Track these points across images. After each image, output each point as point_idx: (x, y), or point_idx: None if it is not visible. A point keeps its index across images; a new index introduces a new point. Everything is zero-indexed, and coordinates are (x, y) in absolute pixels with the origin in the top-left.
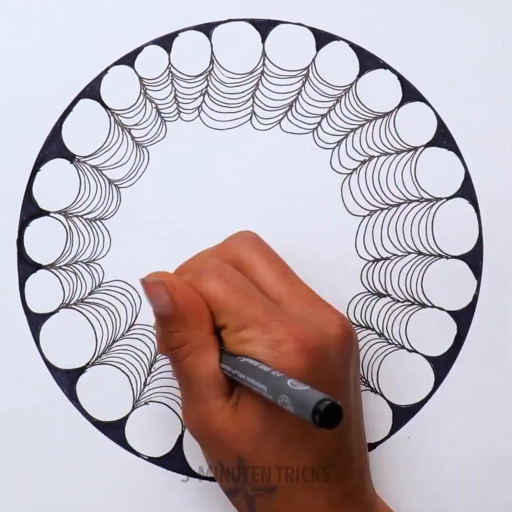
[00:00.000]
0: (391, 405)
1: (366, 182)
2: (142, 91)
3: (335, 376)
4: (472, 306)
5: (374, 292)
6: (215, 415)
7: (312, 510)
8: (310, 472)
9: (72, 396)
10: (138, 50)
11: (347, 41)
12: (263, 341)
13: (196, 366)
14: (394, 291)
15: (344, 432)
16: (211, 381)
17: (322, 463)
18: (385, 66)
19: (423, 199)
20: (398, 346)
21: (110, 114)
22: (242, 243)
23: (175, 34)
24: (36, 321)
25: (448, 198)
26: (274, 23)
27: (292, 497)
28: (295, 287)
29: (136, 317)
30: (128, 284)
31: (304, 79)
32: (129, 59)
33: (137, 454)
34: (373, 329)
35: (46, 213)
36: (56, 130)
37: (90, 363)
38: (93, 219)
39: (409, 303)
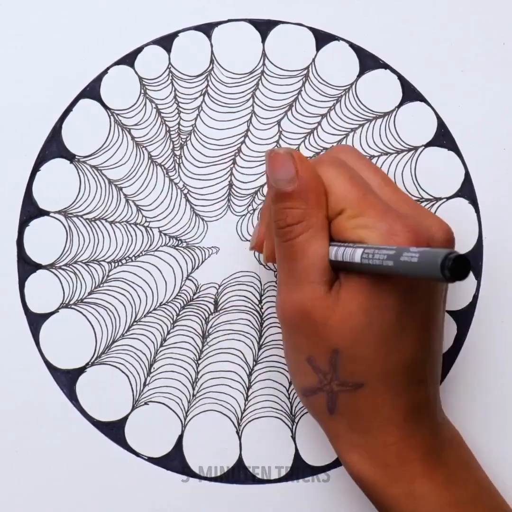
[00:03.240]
0: None
1: None
2: (142, 91)
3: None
4: (472, 306)
5: None
6: (317, 302)
7: (390, 412)
8: (399, 371)
9: (72, 396)
10: (138, 50)
11: (347, 41)
12: (379, 229)
13: (308, 245)
14: None
15: (433, 337)
16: (318, 264)
17: (412, 364)
18: (385, 66)
19: (423, 199)
20: None
21: (110, 114)
22: (345, 151)
23: (175, 34)
24: (36, 321)
25: (448, 198)
26: (274, 23)
27: (375, 396)
28: (399, 193)
29: (136, 317)
30: (128, 284)
31: (304, 79)
32: (129, 59)
33: (137, 454)
34: None
35: (46, 213)
36: (56, 130)
37: (90, 363)
38: (93, 219)
39: None
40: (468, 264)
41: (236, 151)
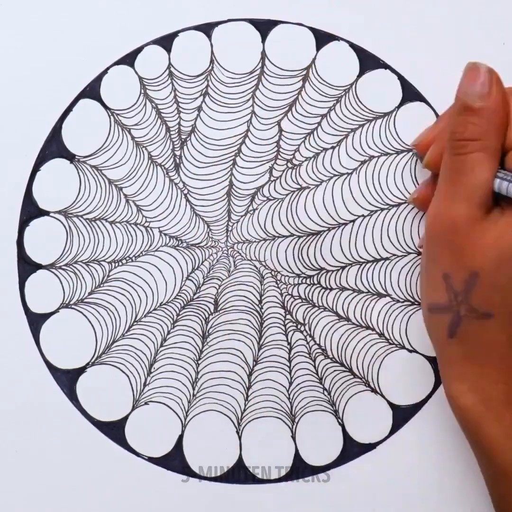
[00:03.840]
0: (391, 405)
1: (366, 182)
2: (142, 91)
3: None
4: None
5: (374, 292)
6: (471, 221)
7: (509, 350)
8: None
9: (72, 396)
10: (138, 50)
11: (347, 41)
12: None
13: (478, 165)
14: (394, 291)
15: None
16: (483, 185)
17: None
18: (385, 66)
19: None
20: (398, 346)
21: (110, 114)
22: None
23: (175, 34)
24: (36, 321)
25: None
26: (274, 23)
27: (500, 331)
28: None
29: (136, 317)
30: (128, 284)
31: (304, 79)
32: (129, 59)
33: (137, 454)
34: (373, 329)
35: (46, 213)
36: (56, 130)
37: (90, 363)
38: (93, 219)
39: (409, 303)
40: None
41: (236, 151)
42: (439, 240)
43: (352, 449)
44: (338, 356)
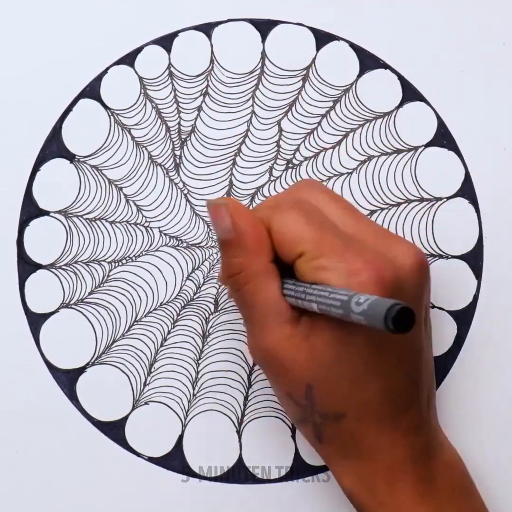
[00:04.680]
0: None
1: (366, 182)
2: (142, 91)
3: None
4: (472, 306)
5: None
6: (282, 343)
7: (376, 439)
8: (380, 399)
9: (72, 396)
10: (138, 50)
11: (347, 41)
12: (340, 270)
13: (256, 293)
14: None
15: (414, 362)
16: (272, 308)
17: (392, 392)
18: (385, 66)
19: (423, 199)
20: None
21: (110, 114)
22: (307, 187)
23: (175, 34)
24: (36, 321)
25: (448, 198)
26: (274, 23)
27: (359, 424)
28: (364, 224)
29: (136, 317)
30: (128, 284)
31: (304, 79)
32: (129, 59)
33: (137, 454)
34: None
35: (46, 213)
36: (56, 130)
37: (90, 363)
38: (93, 219)
39: None
40: (412, 315)
41: (236, 151)
42: (265, 368)
43: None
44: None
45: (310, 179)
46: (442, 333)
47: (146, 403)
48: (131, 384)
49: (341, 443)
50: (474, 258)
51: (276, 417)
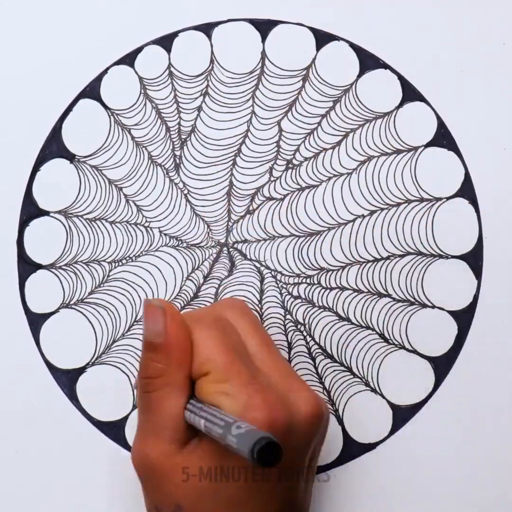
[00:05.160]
0: (391, 405)
1: (366, 182)
2: (142, 91)
3: (293, 455)
4: (472, 306)
5: (374, 292)
6: (164, 459)
7: None
8: None
9: (72, 396)
10: (138, 50)
11: (347, 41)
12: (239, 400)
13: (162, 402)
14: (394, 291)
15: (287, 507)
16: (172, 422)
17: None
18: (385, 66)
19: (423, 199)
20: (398, 346)
21: (110, 114)
22: (231, 307)
23: (175, 34)
24: (36, 321)
25: (448, 198)
26: (274, 23)
27: None
28: (274, 359)
29: (136, 317)
30: (128, 284)
31: (304, 79)
32: (129, 59)
33: None
34: (373, 329)
35: (46, 213)
36: (56, 130)
37: (90, 363)
38: (93, 219)
39: (409, 303)
40: (280, 452)
41: (236, 151)
42: (141, 476)
43: (352, 449)
44: (338, 356)
45: (238, 299)
46: (442, 333)
47: None
48: (131, 384)
49: None
50: (474, 258)
51: None
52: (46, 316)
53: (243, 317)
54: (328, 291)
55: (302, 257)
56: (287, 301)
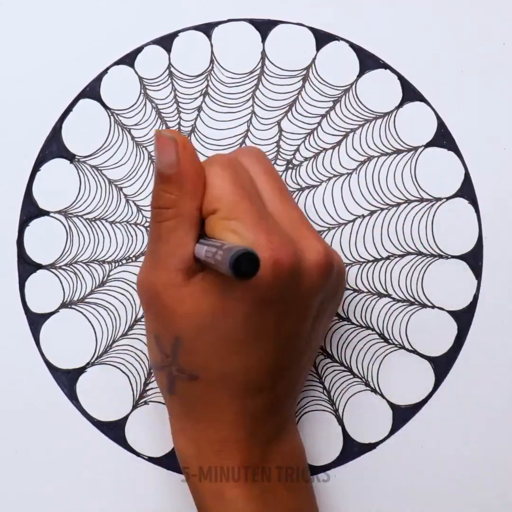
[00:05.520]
0: (391, 405)
1: (366, 182)
2: (142, 91)
3: (297, 301)
4: (472, 306)
5: (374, 292)
6: (169, 288)
7: (222, 410)
8: (238, 375)
9: (72, 396)
10: (138, 50)
11: (347, 41)
12: (246, 238)
13: (172, 232)
14: (394, 291)
15: (287, 348)
16: (180, 252)
17: (252, 372)
18: (385, 66)
19: (423, 199)
20: (398, 346)
21: (110, 114)
22: (248, 153)
23: (175, 34)
24: (36, 321)
25: (448, 198)
26: (274, 23)
27: (209, 391)
28: (286, 206)
29: (136, 317)
30: (128, 284)
31: (304, 79)
32: (129, 59)
33: (137, 454)
34: (373, 329)
35: (46, 213)
36: (56, 130)
37: (90, 363)
38: (93, 219)
39: (409, 303)
40: (256, 263)
41: None
42: (146, 304)
43: (352, 449)
44: (338, 356)
45: (255, 147)
46: (442, 333)
47: (146, 403)
48: (131, 384)
49: (188, 402)
50: (474, 258)
51: None
52: (46, 316)
53: (259, 163)
54: None
55: None
56: None
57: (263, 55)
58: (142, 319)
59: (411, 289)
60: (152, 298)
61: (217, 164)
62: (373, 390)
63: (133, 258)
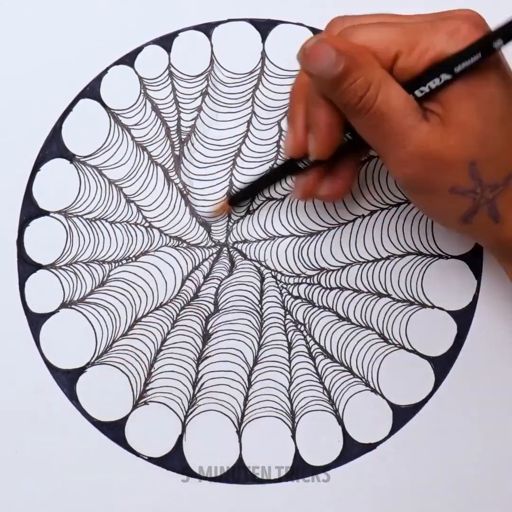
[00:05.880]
0: (391, 405)
1: (366, 182)
2: (142, 91)
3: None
4: (472, 306)
5: (374, 292)
6: (430, 137)
7: None
8: None
9: (72, 396)
10: (138, 50)
11: None
12: (441, 40)
13: (390, 98)
14: (394, 291)
15: None
16: (409, 105)
17: None
18: None
19: None
20: (398, 346)
21: (110, 114)
22: (350, 18)
23: (175, 34)
24: (36, 321)
25: None
26: (274, 23)
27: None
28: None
29: (136, 317)
30: (128, 284)
31: None
32: (129, 59)
33: (137, 454)
34: (373, 329)
35: (46, 213)
36: (56, 130)
37: (90, 363)
38: (93, 219)
39: (409, 303)
40: None
41: (236, 151)
42: (421, 177)
43: (352, 449)
44: (338, 356)
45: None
46: (442, 333)
47: (146, 403)
48: (131, 384)
49: (483, 237)
50: (474, 258)
51: (276, 417)
52: (46, 316)
53: (363, 15)
54: (328, 291)
55: (302, 257)
56: (287, 301)
57: (263, 55)
58: (142, 319)
59: (411, 289)
60: (423, 163)
61: (357, 27)
62: (373, 390)
63: (133, 258)
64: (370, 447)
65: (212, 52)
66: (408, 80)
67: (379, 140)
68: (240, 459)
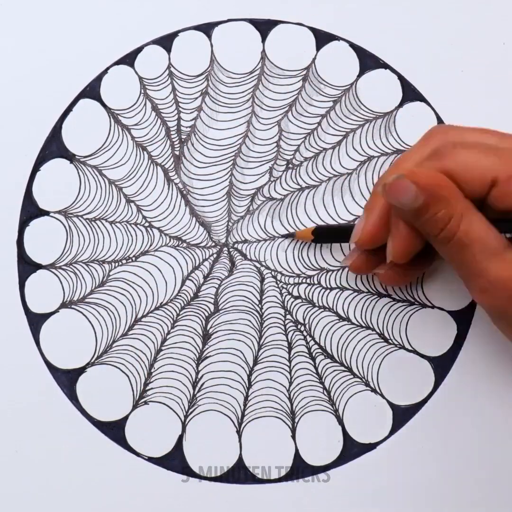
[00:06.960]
0: (391, 405)
1: (366, 182)
2: (142, 91)
3: None
4: (472, 306)
5: (374, 292)
6: None
7: None
8: None
9: (72, 396)
10: (138, 50)
11: (347, 41)
12: None
13: (471, 229)
14: (394, 291)
15: None
16: (489, 239)
17: None
18: (385, 66)
19: None
20: (398, 346)
21: (110, 114)
22: (444, 131)
23: (175, 34)
24: (36, 321)
25: None
26: (274, 23)
27: None
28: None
29: (136, 317)
30: (128, 284)
31: (304, 79)
32: (129, 59)
33: (137, 454)
34: (373, 329)
35: (46, 213)
36: (56, 130)
37: (90, 363)
38: (93, 219)
39: (409, 303)
40: None
41: (236, 151)
42: (503, 303)
43: (352, 449)
44: (338, 356)
45: (436, 127)
46: (442, 333)
47: (146, 403)
48: (131, 384)
49: None
50: None
51: (276, 417)
52: (46, 316)
53: (459, 127)
54: (328, 291)
55: (302, 257)
56: (287, 301)
57: (263, 55)
58: (142, 319)
59: (411, 289)
60: (508, 291)
61: (449, 155)
62: (373, 390)
63: (133, 258)
64: (370, 447)
65: (212, 52)
66: (500, 209)
67: (461, 268)
68: (240, 459)
